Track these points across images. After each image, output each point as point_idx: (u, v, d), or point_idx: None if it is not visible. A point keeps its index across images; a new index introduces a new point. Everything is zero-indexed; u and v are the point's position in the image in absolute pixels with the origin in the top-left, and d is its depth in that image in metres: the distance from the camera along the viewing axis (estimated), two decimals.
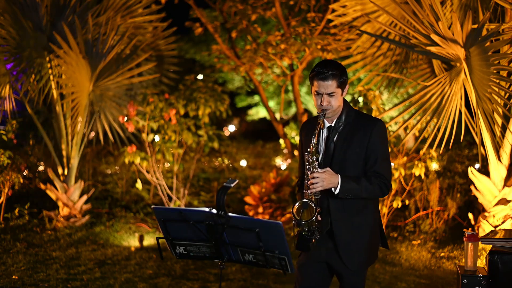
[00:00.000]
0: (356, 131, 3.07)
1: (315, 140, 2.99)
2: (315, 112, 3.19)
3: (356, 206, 3.06)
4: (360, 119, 3.12)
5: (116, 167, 11.07)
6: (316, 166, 2.97)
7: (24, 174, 9.54)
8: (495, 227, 5.99)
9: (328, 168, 2.97)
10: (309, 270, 3.15)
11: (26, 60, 7.62)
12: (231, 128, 23.17)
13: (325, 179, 2.91)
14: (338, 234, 3.05)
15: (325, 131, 3.13)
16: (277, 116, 14.19)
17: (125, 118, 7.66)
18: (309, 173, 2.96)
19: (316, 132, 3.00)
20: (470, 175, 6.30)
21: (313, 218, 2.91)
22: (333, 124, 3.11)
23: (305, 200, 2.95)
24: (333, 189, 2.95)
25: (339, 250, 3.05)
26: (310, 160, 2.98)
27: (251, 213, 7.90)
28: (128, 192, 9.62)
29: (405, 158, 7.23)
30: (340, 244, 3.06)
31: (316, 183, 2.90)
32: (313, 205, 2.92)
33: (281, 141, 13.17)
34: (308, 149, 3.00)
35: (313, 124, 3.14)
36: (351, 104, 7.42)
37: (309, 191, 2.95)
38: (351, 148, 3.05)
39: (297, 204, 2.95)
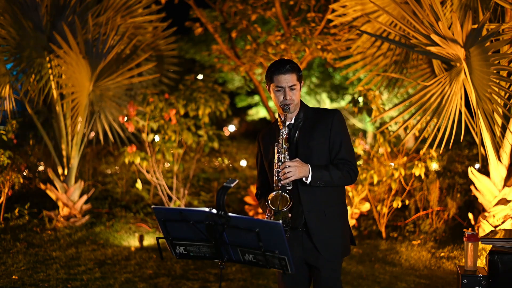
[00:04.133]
0: (317, 123, 3.13)
1: (285, 130, 3.02)
2: None
3: (328, 196, 3.09)
4: (318, 113, 3.19)
5: (116, 167, 11.07)
6: (287, 157, 3.01)
7: (24, 174, 9.55)
8: (495, 227, 5.99)
9: (297, 159, 3.01)
10: (292, 276, 3.13)
11: (26, 60, 7.62)
12: (231, 128, 23.17)
13: (297, 168, 2.95)
14: (312, 227, 3.06)
15: (285, 130, 3.15)
16: (277, 116, 14.18)
17: (125, 118, 7.66)
18: (280, 164, 3.00)
19: (285, 122, 3.03)
20: (470, 175, 6.30)
21: (290, 204, 2.95)
22: (292, 121, 3.17)
23: (281, 189, 2.98)
24: (304, 178, 3.00)
25: (314, 241, 3.06)
26: (281, 150, 3.02)
27: (251, 213, 7.91)
28: (128, 192, 9.62)
29: (405, 158, 7.23)
30: (315, 235, 3.06)
31: (289, 172, 2.94)
32: (287, 195, 2.96)
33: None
34: (279, 139, 3.03)
35: (272, 132, 3.22)
36: (351, 104, 7.47)
37: (281, 182, 2.98)
38: (314, 140, 3.09)
39: (272, 194, 2.99)
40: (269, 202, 2.98)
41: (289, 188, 3.01)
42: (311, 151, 3.08)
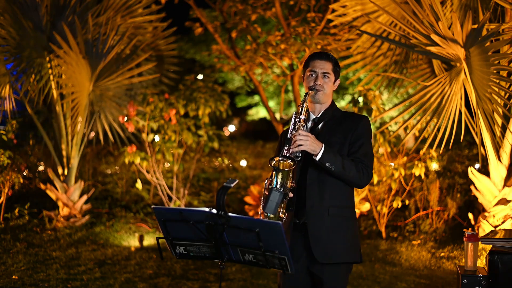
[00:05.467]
0: (342, 123, 3.05)
1: (306, 103, 2.95)
2: None
3: (333, 194, 2.96)
4: (347, 114, 3.11)
5: (116, 167, 11.07)
6: (302, 127, 2.93)
7: (24, 174, 9.54)
8: (495, 227, 5.99)
9: (312, 134, 2.92)
10: (293, 280, 3.03)
11: (26, 60, 7.62)
12: (231, 128, 23.16)
13: (309, 139, 2.85)
14: (311, 222, 2.94)
15: (310, 123, 3.09)
16: (277, 116, 14.19)
17: (125, 118, 7.66)
18: (294, 131, 2.91)
19: (307, 96, 2.96)
20: (470, 175, 6.30)
21: (290, 169, 2.83)
22: (319, 116, 3.09)
23: (284, 157, 2.86)
24: (313, 156, 2.88)
25: (310, 239, 2.93)
26: (297, 119, 2.94)
27: (251, 213, 7.91)
28: (128, 192, 9.62)
29: (405, 158, 7.23)
30: (312, 232, 2.94)
31: (300, 139, 2.84)
32: (290, 160, 2.84)
33: None
34: (299, 106, 2.95)
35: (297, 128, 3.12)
36: (351, 104, 7.47)
37: (290, 149, 2.87)
38: (335, 136, 3.00)
39: (276, 158, 2.87)
40: (272, 163, 2.86)
41: (297, 159, 2.87)
42: (330, 146, 2.95)
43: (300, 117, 2.95)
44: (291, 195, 2.90)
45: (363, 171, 2.95)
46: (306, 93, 2.99)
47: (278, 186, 2.84)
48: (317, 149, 2.87)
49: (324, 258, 2.95)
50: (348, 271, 3.04)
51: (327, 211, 2.96)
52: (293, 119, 2.97)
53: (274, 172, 2.86)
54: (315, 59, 3.05)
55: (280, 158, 2.86)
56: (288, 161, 2.85)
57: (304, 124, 2.96)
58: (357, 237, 3.08)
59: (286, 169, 2.85)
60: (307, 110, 3.07)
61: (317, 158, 2.88)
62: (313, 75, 3.04)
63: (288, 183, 2.86)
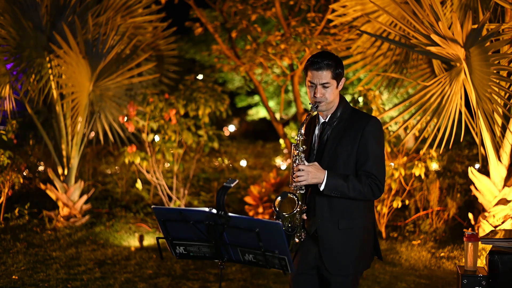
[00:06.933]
0: (349, 127, 2.95)
1: (302, 131, 2.90)
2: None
3: (343, 207, 2.92)
4: (355, 116, 3.00)
5: (116, 167, 11.07)
6: (303, 159, 2.87)
7: (24, 174, 9.54)
8: (495, 227, 5.99)
9: (315, 163, 2.86)
10: (302, 282, 3.03)
11: (26, 60, 7.61)
12: (231, 128, 23.16)
13: (310, 173, 2.80)
14: (322, 236, 2.93)
15: (318, 127, 3.04)
16: (277, 116, 14.20)
17: (125, 118, 7.66)
18: (294, 165, 2.86)
19: (305, 122, 2.92)
20: (470, 175, 6.30)
21: (294, 212, 2.82)
22: (327, 120, 3.01)
23: (285, 191, 2.87)
24: (318, 185, 2.84)
25: (321, 252, 2.93)
26: (296, 152, 2.89)
27: (251, 213, 7.91)
28: (128, 192, 9.62)
29: (405, 158, 7.23)
30: (324, 246, 2.93)
31: (301, 176, 2.80)
32: (294, 197, 2.83)
33: (281, 141, 13.18)
34: (296, 139, 2.91)
35: (313, 124, 3.09)
36: (351, 104, 7.46)
37: (293, 184, 2.85)
38: (342, 145, 2.92)
39: (279, 197, 2.87)
40: (276, 206, 2.86)
41: (302, 192, 2.87)
42: (336, 156, 2.91)
43: (299, 148, 2.89)
44: (304, 216, 2.93)
45: (373, 187, 2.88)
46: (303, 123, 2.92)
47: (287, 226, 2.87)
48: (320, 179, 2.82)
49: (335, 271, 2.95)
50: (358, 275, 3.04)
51: (337, 224, 2.93)
52: (292, 150, 2.93)
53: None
54: (312, 70, 2.93)
55: (280, 198, 2.86)
56: (293, 196, 2.84)
57: (304, 154, 2.90)
58: (369, 244, 3.04)
59: (292, 213, 2.85)
60: (317, 114, 3.04)
61: (321, 188, 2.85)
62: (312, 86, 2.95)
63: (297, 221, 2.88)
